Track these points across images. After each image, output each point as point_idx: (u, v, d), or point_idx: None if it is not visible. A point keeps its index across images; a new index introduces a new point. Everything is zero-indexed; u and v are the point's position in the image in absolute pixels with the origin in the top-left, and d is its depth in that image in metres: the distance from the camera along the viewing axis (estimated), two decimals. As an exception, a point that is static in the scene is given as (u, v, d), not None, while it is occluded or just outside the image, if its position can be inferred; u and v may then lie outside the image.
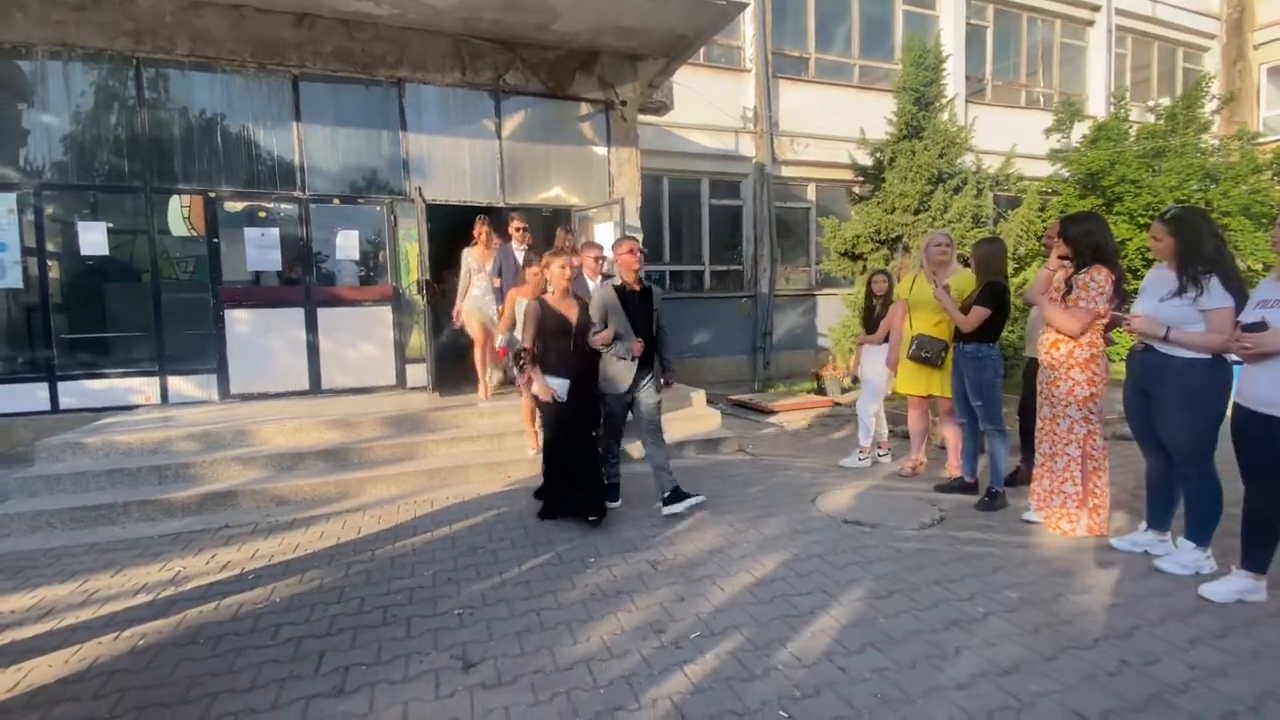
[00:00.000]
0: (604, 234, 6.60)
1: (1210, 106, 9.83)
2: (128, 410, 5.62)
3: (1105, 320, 3.26)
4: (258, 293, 6.08)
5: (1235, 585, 2.68)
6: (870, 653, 2.35)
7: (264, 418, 5.17)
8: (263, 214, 6.06)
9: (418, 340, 6.48)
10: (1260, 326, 2.40)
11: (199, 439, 4.76)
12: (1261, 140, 10.42)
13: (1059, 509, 3.44)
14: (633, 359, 3.77)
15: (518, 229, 5.68)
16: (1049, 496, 3.49)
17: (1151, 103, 11.41)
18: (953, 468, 4.36)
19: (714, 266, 10.26)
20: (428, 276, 6.11)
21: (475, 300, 5.77)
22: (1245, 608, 2.60)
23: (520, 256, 5.53)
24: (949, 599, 2.75)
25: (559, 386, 3.75)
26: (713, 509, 3.99)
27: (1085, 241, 3.26)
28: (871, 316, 5.09)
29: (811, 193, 10.88)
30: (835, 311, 9.82)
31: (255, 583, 3.11)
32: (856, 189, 9.68)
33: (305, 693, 2.20)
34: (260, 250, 6.04)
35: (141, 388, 5.79)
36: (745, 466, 5.10)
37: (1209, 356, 2.81)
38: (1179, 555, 2.97)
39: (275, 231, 6.05)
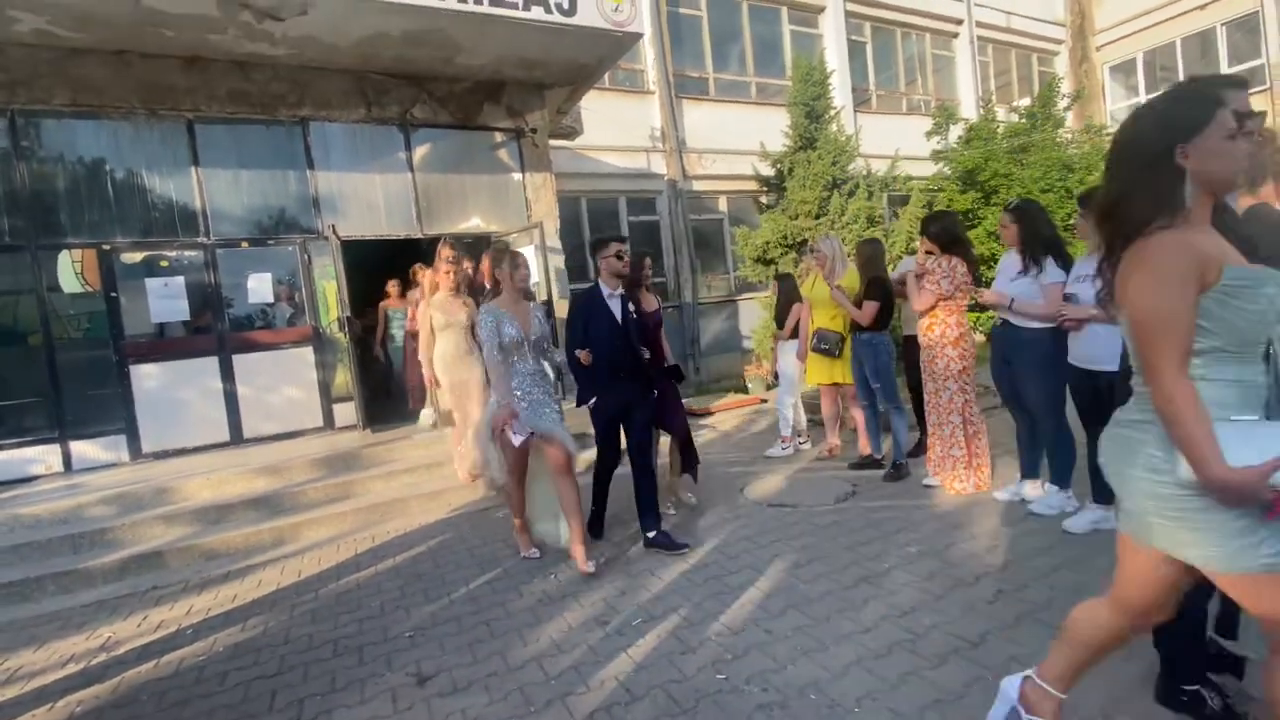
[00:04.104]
0: (526, 257, 6.74)
1: (1062, 104, 11.09)
2: (27, 482, 5.26)
3: (965, 300, 3.74)
4: (165, 345, 5.84)
5: (1090, 516, 3.14)
6: (791, 614, 2.62)
7: (184, 473, 4.99)
8: (164, 263, 5.85)
9: (343, 378, 6.38)
10: (1072, 298, 2.87)
11: (113, 502, 4.55)
12: (1108, 131, 11.83)
13: (951, 471, 3.87)
14: None
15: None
16: (942, 461, 3.92)
17: (1014, 104, 12.72)
18: (863, 446, 4.78)
19: (638, 280, 10.57)
20: (348, 313, 6.06)
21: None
22: (1100, 534, 3.05)
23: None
24: (859, 560, 3.08)
25: None
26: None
27: (944, 236, 3.74)
28: (782, 315, 5.51)
29: (723, 204, 11.42)
30: (755, 315, 10.34)
31: (194, 637, 3.07)
32: (763, 198, 10.30)
33: (261, 729, 2.25)
34: (164, 300, 5.81)
35: (40, 456, 5.43)
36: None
37: (1052, 327, 3.29)
38: (1047, 499, 3.43)
39: (180, 280, 5.85)
